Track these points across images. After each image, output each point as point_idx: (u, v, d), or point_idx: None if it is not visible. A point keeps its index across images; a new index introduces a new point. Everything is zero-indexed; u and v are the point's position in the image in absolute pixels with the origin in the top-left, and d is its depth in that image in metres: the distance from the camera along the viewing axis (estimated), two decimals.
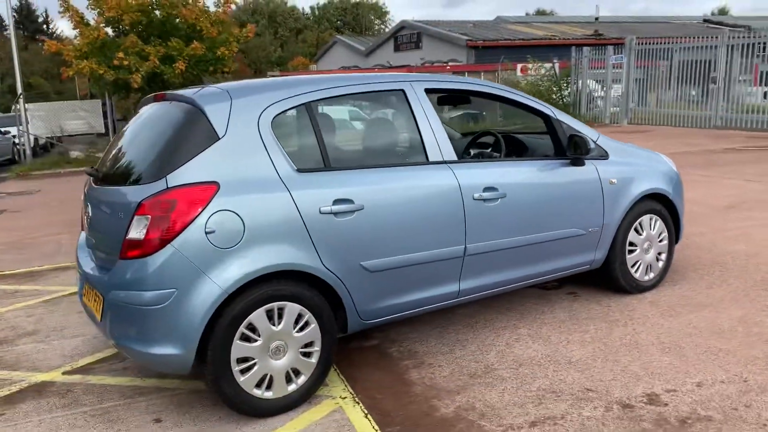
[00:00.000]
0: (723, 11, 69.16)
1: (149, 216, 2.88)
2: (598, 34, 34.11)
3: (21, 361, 3.96)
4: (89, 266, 3.45)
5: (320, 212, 3.14)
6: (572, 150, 4.05)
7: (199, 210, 2.89)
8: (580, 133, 4.11)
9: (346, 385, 3.40)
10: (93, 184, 3.50)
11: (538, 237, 3.93)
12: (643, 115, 20.05)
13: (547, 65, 24.29)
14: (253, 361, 3.03)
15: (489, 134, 4.62)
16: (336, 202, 3.18)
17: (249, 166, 3.06)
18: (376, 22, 75.15)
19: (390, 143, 3.74)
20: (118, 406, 3.31)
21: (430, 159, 3.56)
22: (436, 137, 3.60)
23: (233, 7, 20.00)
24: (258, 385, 3.06)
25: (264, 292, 3.00)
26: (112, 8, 17.52)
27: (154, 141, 3.27)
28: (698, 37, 19.49)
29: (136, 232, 2.91)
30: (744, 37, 17.98)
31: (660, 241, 4.61)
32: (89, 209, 3.41)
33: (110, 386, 3.55)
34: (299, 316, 3.12)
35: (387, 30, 60.97)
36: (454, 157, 3.66)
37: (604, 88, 21.33)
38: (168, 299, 2.85)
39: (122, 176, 3.26)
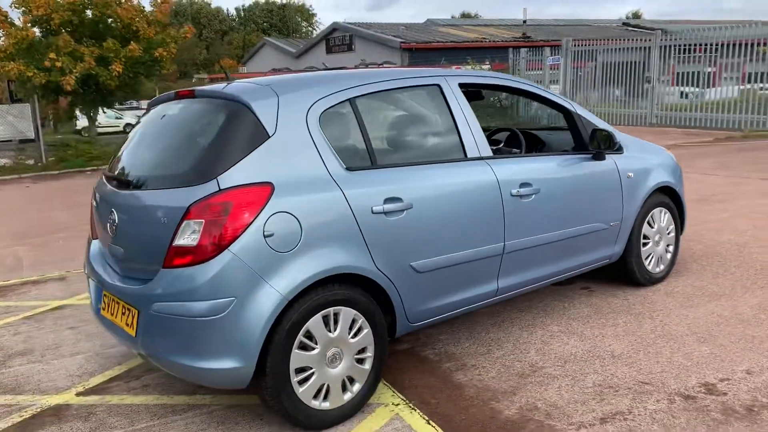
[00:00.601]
0: (636, 15, 72.66)
1: (201, 220, 2.66)
2: (527, 37, 34.99)
3: (22, 383, 3.60)
4: (112, 277, 3.17)
5: (372, 212, 2.99)
6: (595, 144, 4.06)
7: (257, 212, 2.69)
8: (603, 127, 4.12)
9: (394, 392, 3.26)
10: (117, 189, 3.22)
11: (568, 232, 3.91)
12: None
13: (485, 67, 24.71)
14: (311, 371, 2.86)
15: (504, 130, 4.58)
16: (387, 201, 3.05)
17: (300, 166, 2.89)
18: (303, 24, 74.59)
19: (430, 140, 3.62)
20: (152, 427, 3.06)
21: (469, 155, 3.47)
22: (473, 132, 3.52)
23: (169, 6, 19.26)
24: (315, 396, 2.89)
25: (321, 297, 2.83)
26: (40, 7, 16.54)
27: (193, 141, 3.04)
28: (633, 39, 20.30)
29: (186, 238, 2.69)
30: (675, 38, 18.82)
31: (668, 233, 4.69)
32: (114, 216, 3.13)
33: (135, 406, 3.28)
34: (353, 322, 2.97)
35: (315, 32, 60.54)
36: (490, 153, 3.59)
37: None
38: (226, 309, 2.64)
39: (160, 179, 3.01)
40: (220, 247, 2.64)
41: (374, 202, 3.01)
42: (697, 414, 2.87)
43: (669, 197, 4.66)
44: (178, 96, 3.30)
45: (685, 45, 18.47)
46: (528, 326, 4.00)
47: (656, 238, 4.58)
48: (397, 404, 3.14)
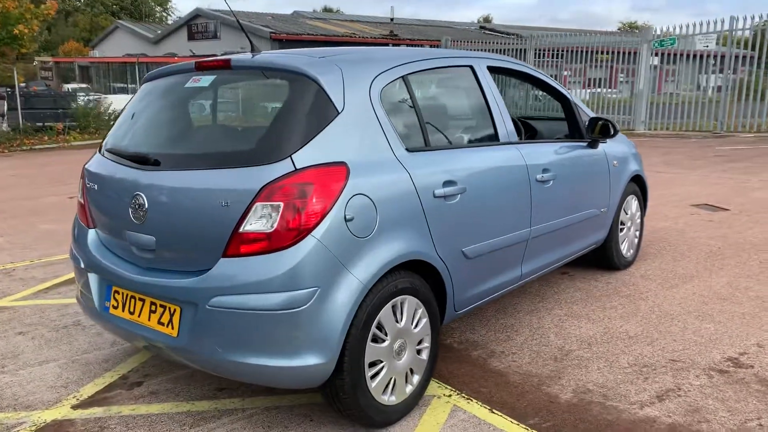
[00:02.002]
0: (487, 20, 76.69)
1: (279, 203, 2.38)
2: (394, 35, 35.68)
3: None
4: (133, 271, 2.77)
5: (434, 195, 2.85)
6: (596, 132, 4.16)
7: (337, 194, 2.45)
8: (602, 116, 4.24)
9: (439, 383, 3.14)
10: (144, 170, 2.80)
11: (575, 218, 3.98)
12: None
13: None
14: (381, 365, 2.66)
15: None
16: (445, 184, 2.92)
17: (369, 145, 2.67)
18: (157, 9, 70.69)
19: (469, 122, 3.51)
20: None
21: (501, 139, 3.42)
22: (503, 116, 3.47)
23: None
24: (384, 391, 2.70)
25: (391, 286, 2.65)
26: None
27: (251, 116, 2.72)
28: (508, 42, 21.35)
29: (257, 223, 2.39)
30: (537, 43, 20.12)
31: (637, 219, 4.95)
32: (142, 200, 2.71)
33: (155, 416, 2.89)
34: (414, 311, 2.82)
35: (170, 18, 57.56)
36: (516, 137, 3.56)
37: None
38: (308, 300, 2.38)
39: (212, 158, 2.65)
40: (301, 232, 2.38)
41: (435, 185, 2.87)
42: (740, 387, 3.02)
43: (637, 185, 4.91)
44: (202, 67, 2.94)
45: (551, 50, 19.99)
46: (533, 311, 4.03)
47: (629, 224, 4.81)
48: (449, 395, 3.01)
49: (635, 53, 18.98)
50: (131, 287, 2.75)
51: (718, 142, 14.20)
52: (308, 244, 2.37)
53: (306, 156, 2.46)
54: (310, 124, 2.53)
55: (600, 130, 4.17)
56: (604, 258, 4.68)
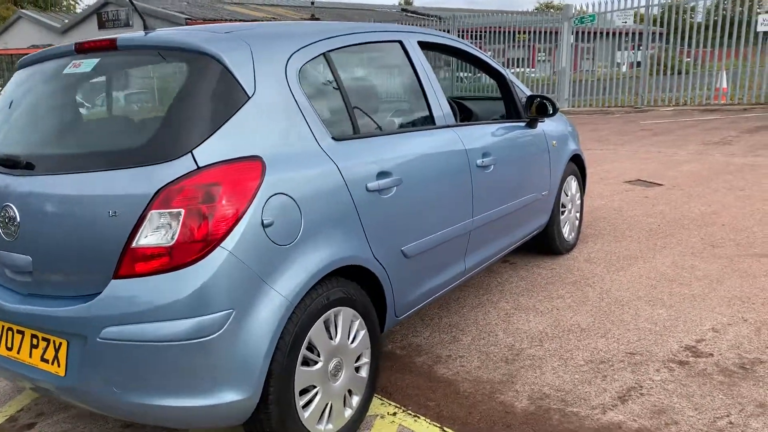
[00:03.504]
0: (408, 2, 76.59)
1: (180, 210, 1.96)
2: (315, 18, 35.01)
3: None
4: (9, 298, 2.29)
5: (368, 189, 2.48)
6: (532, 112, 3.89)
7: (252, 195, 2.05)
8: (540, 94, 3.95)
9: (382, 399, 2.79)
10: (14, 175, 2.30)
11: (517, 203, 3.70)
12: None
13: None
14: (315, 390, 2.29)
15: None
16: (379, 176, 2.55)
17: (288, 135, 2.27)
18: None
19: (401, 104, 3.15)
20: None
21: (437, 122, 3.08)
22: (437, 96, 3.13)
23: None
24: (320, 419, 2.33)
25: (322, 298, 2.27)
26: None
27: (141, 106, 2.26)
28: (431, 22, 21.17)
29: (154, 235, 1.97)
30: (460, 23, 20.06)
31: (577, 200, 4.73)
32: (13, 212, 2.23)
33: None
34: (350, 323, 2.45)
35: (79, 7, 54.59)
36: (453, 119, 3.23)
37: None
38: (222, 326, 1.97)
39: (96, 158, 2.18)
40: (208, 244, 1.97)
41: (368, 177, 2.50)
42: (703, 379, 2.81)
43: (576, 165, 4.69)
44: (83, 49, 2.44)
45: (473, 30, 20.03)
46: (477, 306, 3.74)
47: (569, 206, 4.59)
48: (394, 413, 2.68)
49: (553, 32, 19.19)
50: (7, 318, 2.27)
51: (640, 116, 14.42)
52: (218, 257, 1.97)
53: (211, 150, 2.04)
54: (214, 112, 2.11)
55: (538, 109, 3.90)
56: (546, 243, 4.45)
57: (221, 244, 1.97)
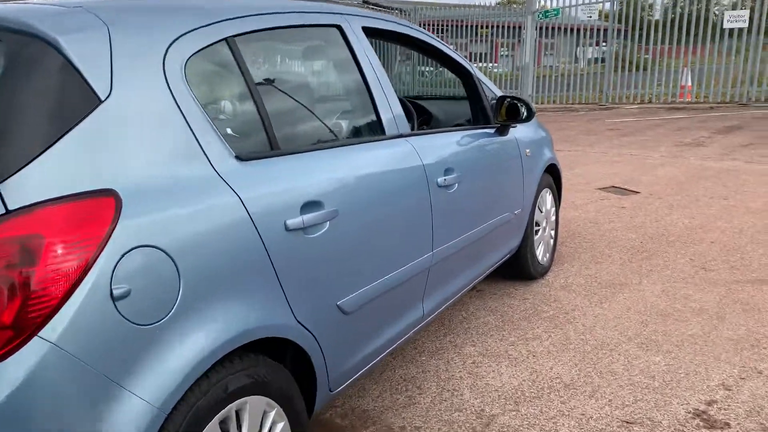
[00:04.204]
0: None
1: None
2: None
3: None
4: None
5: (287, 228, 1.79)
6: (503, 115, 3.24)
7: (95, 250, 1.35)
8: (512, 94, 3.30)
9: None
10: None
11: (486, 227, 3.06)
12: None
13: None
14: None
15: None
16: (305, 208, 1.87)
17: (163, 155, 1.57)
18: None
19: (339, 108, 2.45)
20: None
21: (387, 131, 2.41)
22: (388, 98, 2.46)
23: None
24: None
25: (219, 389, 1.58)
26: None
27: None
28: (392, 14, 20.52)
29: None
30: (432, 11, 19.53)
31: (552, 217, 4.13)
32: None
33: None
34: (264, 415, 1.77)
35: None
36: (408, 127, 2.56)
37: None
38: None
39: None
40: (20, 331, 1.26)
41: (289, 211, 1.81)
42: None
43: (551, 175, 4.08)
44: None
45: (434, 23, 19.53)
46: (438, 352, 3.09)
47: (544, 223, 3.97)
48: None
49: (516, 27, 18.76)
50: None
51: (605, 114, 14.02)
52: (34, 354, 1.26)
53: (30, 184, 1.33)
54: (40, 123, 1.39)
55: (510, 113, 3.26)
56: (517, 267, 3.82)
57: (40, 333, 1.26)
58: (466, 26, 19.44)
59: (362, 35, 2.45)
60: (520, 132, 3.52)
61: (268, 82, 2.07)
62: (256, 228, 1.69)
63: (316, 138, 2.16)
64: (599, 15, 17.69)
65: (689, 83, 15.17)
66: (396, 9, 26.17)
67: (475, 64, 20.22)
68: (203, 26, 1.78)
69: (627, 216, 5.32)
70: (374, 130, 2.39)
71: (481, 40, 20.02)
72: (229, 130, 1.81)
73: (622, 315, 3.40)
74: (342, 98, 2.44)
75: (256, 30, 1.97)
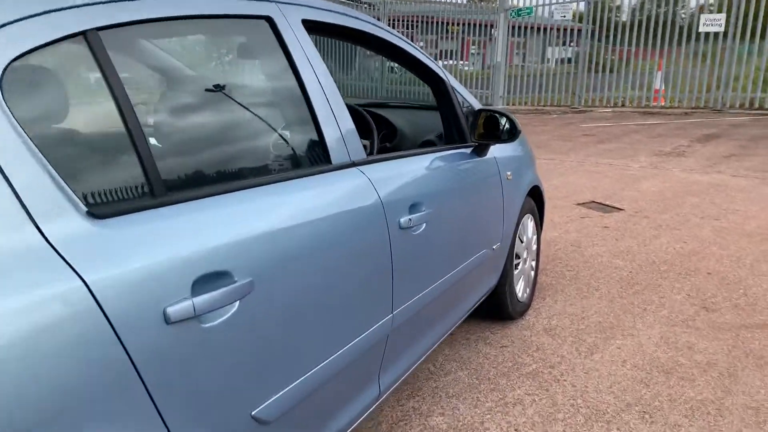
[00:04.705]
0: None
1: None
2: None
3: None
4: None
5: (168, 320, 1.19)
6: (482, 131, 2.67)
7: None
8: (492, 108, 2.73)
9: None
10: None
11: (460, 270, 2.50)
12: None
13: None
14: None
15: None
16: (202, 284, 1.27)
17: None
18: None
19: (259, 131, 1.83)
20: None
21: (334, 158, 1.82)
22: (335, 114, 1.87)
23: None
24: None
25: None
26: None
27: None
28: (362, 8, 19.91)
29: None
30: (401, 6, 18.96)
31: (533, 245, 3.58)
32: None
33: None
34: None
35: None
36: (363, 152, 1.97)
37: None
38: None
39: None
40: None
41: (172, 294, 1.21)
42: None
43: (533, 199, 3.53)
44: None
45: (404, 19, 18.99)
46: (400, 421, 2.51)
47: (525, 254, 3.42)
48: None
49: (486, 25, 18.33)
50: None
51: (579, 118, 13.62)
52: None
53: None
54: None
55: (490, 129, 2.69)
56: (494, 307, 3.27)
57: None
58: (436, 22, 18.94)
59: (302, 30, 1.85)
60: (500, 151, 2.96)
61: (155, 97, 1.46)
62: (113, 329, 1.09)
63: (227, 175, 1.55)
64: (573, 16, 17.34)
65: (662, 87, 14.87)
66: (365, 3, 25.59)
67: (445, 62, 19.72)
68: (36, 15, 1.16)
69: (611, 238, 4.82)
70: (315, 159, 1.79)
71: (451, 38, 19.57)
72: (81, 169, 1.20)
73: (617, 371, 2.87)
74: (269, 116, 1.83)
75: (135, 21, 1.35)
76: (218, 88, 1.67)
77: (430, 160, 2.36)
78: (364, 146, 2.65)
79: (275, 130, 1.79)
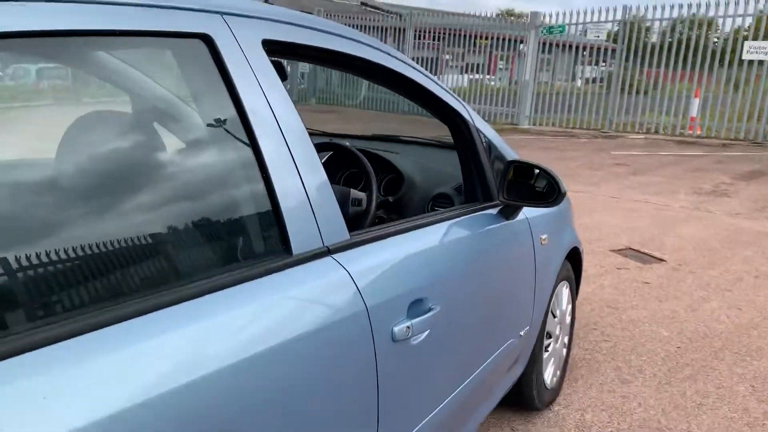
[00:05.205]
0: None
1: None
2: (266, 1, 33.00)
3: None
4: None
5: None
6: (517, 190, 2.06)
7: None
8: (526, 160, 2.09)
9: None
10: None
11: (479, 375, 1.89)
12: (328, 95, 19.67)
13: None
14: None
15: (331, 147, 2.35)
16: None
17: None
18: None
19: (183, 212, 1.23)
20: None
21: (297, 245, 1.22)
22: (300, 171, 1.27)
23: None
24: None
25: None
26: None
27: None
28: (390, 18, 19.48)
29: None
30: (429, 18, 18.47)
31: (567, 317, 2.95)
32: None
33: None
34: None
35: None
36: (343, 230, 1.37)
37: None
38: None
39: None
40: None
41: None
42: None
43: (570, 261, 2.90)
44: None
45: (431, 31, 18.48)
46: None
47: (557, 331, 2.80)
48: None
49: (515, 40, 17.74)
50: None
51: (609, 143, 12.91)
52: None
53: None
54: None
55: (524, 184, 2.07)
56: (517, 396, 2.64)
57: None
58: (463, 35, 18.36)
59: (260, 55, 1.26)
60: (532, 209, 2.35)
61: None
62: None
63: (120, 287, 0.96)
64: (607, 36, 16.67)
65: (697, 114, 14.11)
66: (395, 13, 25.13)
67: (471, 76, 19.07)
68: None
69: (653, 298, 4.16)
70: (270, 248, 1.20)
71: (479, 52, 19.03)
72: None
73: None
74: (195, 183, 1.22)
75: None
76: (137, 147, 1.08)
77: (442, 231, 1.76)
78: (358, 201, 2.06)
79: (213, 210, 1.19)
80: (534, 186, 2.06)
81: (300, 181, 1.26)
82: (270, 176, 1.19)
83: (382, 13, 30.87)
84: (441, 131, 2.31)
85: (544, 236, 2.38)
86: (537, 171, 2.05)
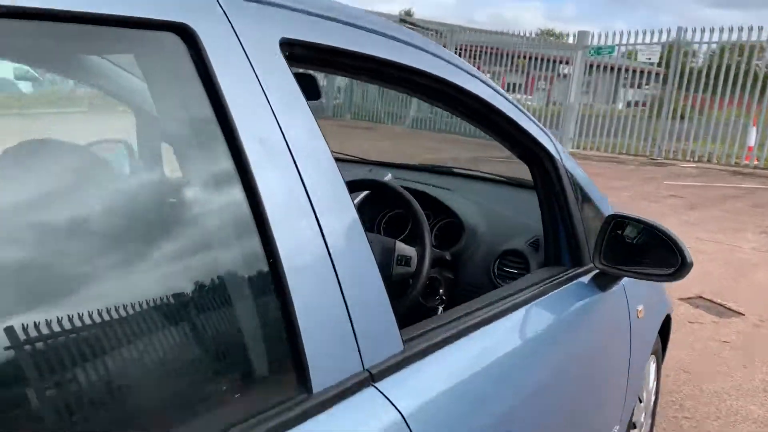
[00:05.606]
0: (409, 13, 74.42)
1: None
2: None
3: None
4: None
5: None
6: (617, 252, 1.54)
7: None
8: (643, 218, 1.57)
9: None
10: None
11: None
12: (365, 111, 19.40)
13: None
14: None
15: (369, 185, 1.86)
16: None
17: None
18: None
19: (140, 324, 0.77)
20: None
21: (316, 381, 0.73)
22: (331, 254, 0.78)
23: None
24: None
25: None
26: None
27: None
28: (429, 35, 19.18)
29: None
30: (472, 35, 18.10)
31: (653, 395, 2.41)
32: None
33: None
34: None
35: None
36: (396, 338, 0.87)
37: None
38: None
39: None
40: None
41: None
42: None
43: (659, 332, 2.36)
44: None
45: (470, 48, 18.12)
46: None
47: (642, 418, 2.25)
48: None
49: (554, 60, 17.21)
50: None
51: (660, 171, 12.21)
52: None
53: None
54: None
55: (626, 245, 1.55)
56: None
57: None
58: (502, 54, 17.89)
59: (276, 61, 0.78)
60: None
61: None
62: None
63: None
64: (634, 56, 16.05)
65: (754, 143, 13.33)
66: (433, 30, 24.81)
67: (510, 95, 18.52)
68: None
69: (736, 363, 3.57)
70: (275, 383, 0.71)
71: (518, 71, 18.56)
72: None
73: None
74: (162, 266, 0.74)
75: None
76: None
77: (529, 318, 1.25)
78: (406, 260, 1.57)
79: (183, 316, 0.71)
80: (634, 244, 1.55)
81: (333, 269, 0.77)
82: (282, 276, 0.71)
83: (421, 30, 30.63)
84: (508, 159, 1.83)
85: (640, 307, 1.86)
86: (646, 228, 1.53)
